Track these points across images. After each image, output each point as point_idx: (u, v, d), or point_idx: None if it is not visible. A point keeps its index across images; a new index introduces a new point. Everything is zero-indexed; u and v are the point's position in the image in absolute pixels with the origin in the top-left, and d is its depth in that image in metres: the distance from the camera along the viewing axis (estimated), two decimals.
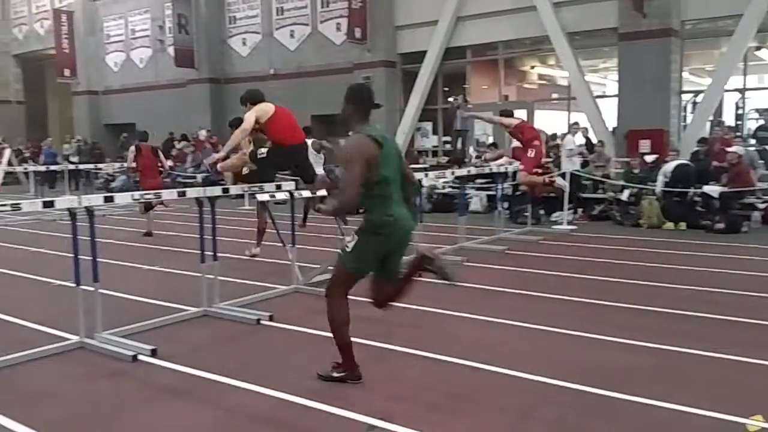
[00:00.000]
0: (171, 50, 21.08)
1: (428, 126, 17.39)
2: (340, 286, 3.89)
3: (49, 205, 4.59)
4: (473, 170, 10.14)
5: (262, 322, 5.26)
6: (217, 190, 5.86)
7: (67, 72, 24.28)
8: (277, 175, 7.38)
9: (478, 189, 12.85)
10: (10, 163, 20.17)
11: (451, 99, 16.50)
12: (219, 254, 5.64)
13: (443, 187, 13.32)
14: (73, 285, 4.62)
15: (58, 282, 6.55)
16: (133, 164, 10.44)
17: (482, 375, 4.09)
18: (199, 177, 17.55)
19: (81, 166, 18.87)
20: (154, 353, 4.45)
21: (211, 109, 20.53)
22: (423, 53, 16.27)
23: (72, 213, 4.54)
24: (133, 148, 10.54)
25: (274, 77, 19.41)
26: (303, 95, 18.60)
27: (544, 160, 12.88)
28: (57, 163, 19.81)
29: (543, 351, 4.57)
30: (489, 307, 5.65)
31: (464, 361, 4.26)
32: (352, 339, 3.96)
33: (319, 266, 6.62)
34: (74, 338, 4.72)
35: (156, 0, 22.13)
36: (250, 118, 6.76)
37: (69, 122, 26.67)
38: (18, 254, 8.84)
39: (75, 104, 25.31)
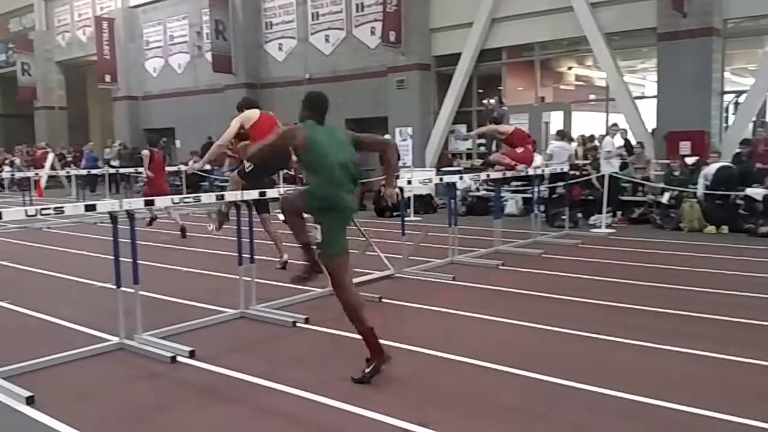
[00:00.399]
0: (209, 56, 21.39)
1: (462, 128, 17.29)
2: (340, 277, 4.12)
3: (91, 208, 4.70)
4: (508, 173, 10.05)
5: (298, 324, 5.30)
6: (253, 194, 5.92)
7: (107, 78, 24.83)
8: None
9: (513, 192, 12.73)
10: (53, 167, 20.80)
11: (485, 101, 16.42)
12: (255, 257, 5.70)
13: (477, 190, 13.24)
14: (114, 287, 4.72)
15: (99, 284, 6.70)
16: (149, 172, 10.68)
17: (513, 380, 4.03)
18: None
19: (121, 170, 19.27)
20: (192, 355, 4.51)
21: None
22: (458, 55, 16.19)
23: (113, 216, 4.64)
24: (147, 152, 10.76)
25: (310, 82, 19.55)
26: (338, 99, 18.70)
27: (581, 162, 12.78)
28: (98, 167, 20.27)
29: (579, 356, 4.49)
30: (522, 311, 5.58)
31: (495, 366, 4.21)
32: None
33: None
34: (114, 339, 4.81)
35: (194, 6, 22.49)
36: (234, 124, 7.03)
37: (109, 127, 27.29)
38: (61, 256, 9.07)
39: (115, 109, 25.86)
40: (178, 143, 23.32)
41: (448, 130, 16.81)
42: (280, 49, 20.44)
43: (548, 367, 4.14)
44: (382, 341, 4.07)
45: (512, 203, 12.69)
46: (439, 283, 6.81)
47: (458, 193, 11.49)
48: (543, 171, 9.99)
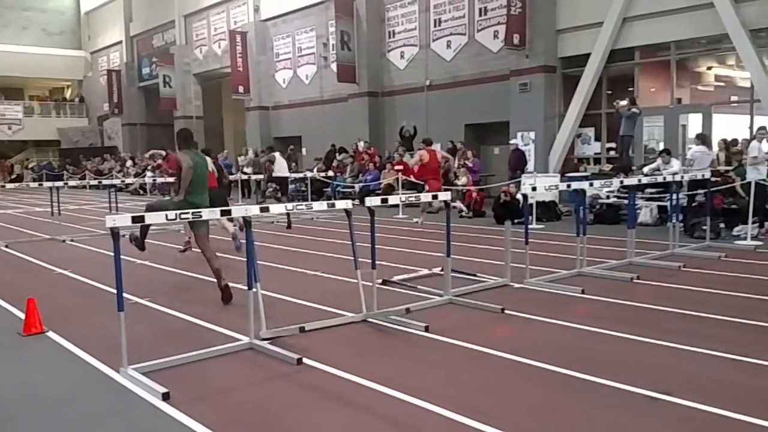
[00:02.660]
0: (334, 66, 21.99)
1: (590, 132, 16.59)
2: (201, 243, 6.58)
3: (225, 213, 4.89)
4: (644, 179, 9.45)
5: (418, 332, 5.22)
6: (375, 201, 5.94)
7: (240, 89, 26.18)
8: None
9: (647, 199, 11.97)
10: None
11: (615, 103, 15.64)
12: (377, 262, 5.68)
13: (607, 197, 12.59)
14: (245, 288, 4.88)
15: (231, 284, 6.97)
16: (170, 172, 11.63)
17: (653, 405, 3.71)
18: (357, 187, 18.12)
19: (253, 177, 20.27)
20: (314, 358, 4.56)
21: (369, 121, 21.15)
22: (586, 56, 15.56)
23: (246, 221, 4.81)
24: (163, 153, 11.66)
25: (430, 88, 19.57)
26: (457, 105, 18.60)
27: (723, 168, 11.85)
28: (231, 174, 21.37)
29: (728, 381, 4.07)
30: (660, 329, 5.17)
31: (632, 388, 3.90)
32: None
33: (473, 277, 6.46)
34: (244, 339, 4.97)
35: (320, 18, 23.23)
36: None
37: (242, 135, 28.77)
38: (195, 257, 9.54)
39: (248, 119, 27.21)
40: (304, 151, 24.16)
41: (575, 133, 16.20)
42: (402, 57, 20.62)
43: (692, 392, 3.79)
44: (503, 355, 3.85)
45: (646, 211, 11.92)
46: (567, 295, 6.48)
47: (586, 199, 10.99)
48: (682, 177, 9.28)
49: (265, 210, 5.38)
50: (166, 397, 3.90)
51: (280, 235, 11.26)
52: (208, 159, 7.22)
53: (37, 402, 4.01)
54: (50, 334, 5.37)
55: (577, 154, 16.61)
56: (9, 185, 23.79)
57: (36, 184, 22.91)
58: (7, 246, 10.83)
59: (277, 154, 16.89)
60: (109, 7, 37.12)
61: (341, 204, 5.73)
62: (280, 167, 16.53)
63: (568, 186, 8.17)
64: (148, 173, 25.51)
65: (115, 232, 4.17)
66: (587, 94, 15.71)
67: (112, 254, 4.24)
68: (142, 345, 4.86)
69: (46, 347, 5.09)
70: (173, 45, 31.44)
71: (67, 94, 42.84)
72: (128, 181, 22.97)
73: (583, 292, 6.49)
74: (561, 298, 6.42)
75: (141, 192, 24.34)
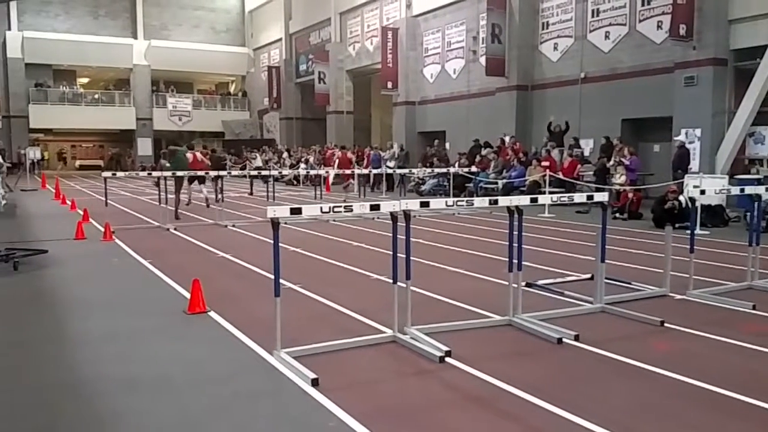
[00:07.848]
0: (482, 60, 21.72)
1: (764, 131, 15.05)
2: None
3: (375, 208, 4.96)
4: None
5: (567, 341, 4.98)
6: (524, 200, 5.76)
7: (389, 84, 26.64)
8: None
9: None
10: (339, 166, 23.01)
11: None
12: (523, 263, 5.51)
13: None
14: (389, 281, 4.94)
15: (375, 276, 7.12)
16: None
17: None
18: (500, 183, 17.79)
19: (398, 170, 20.58)
20: (456, 357, 4.50)
21: (516, 115, 20.66)
22: (762, 48, 14.12)
23: (393, 216, 4.85)
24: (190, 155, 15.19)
25: (584, 81, 18.75)
26: (614, 98, 17.65)
27: None
28: (379, 167, 21.88)
29: None
30: None
31: None
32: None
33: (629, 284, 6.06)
34: (388, 332, 5.02)
35: (472, 12, 23.01)
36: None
37: (388, 130, 29.29)
38: (343, 247, 9.87)
39: (394, 114, 27.64)
40: (447, 145, 24.13)
41: (747, 132, 14.78)
42: (555, 48, 19.93)
43: None
44: (662, 371, 3.76)
45: None
46: (735, 310, 5.90)
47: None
48: None
49: (425, 205, 5.37)
50: (315, 382, 4.03)
51: (416, 228, 11.30)
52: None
53: (197, 378, 4.30)
54: (212, 314, 5.75)
55: (748, 155, 15.16)
56: (179, 173, 25.93)
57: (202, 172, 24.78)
58: (175, 229, 11.83)
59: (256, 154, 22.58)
60: (270, 6, 39.28)
61: (504, 201, 5.56)
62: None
63: (742, 190, 7.42)
64: (302, 165, 26.85)
65: (275, 222, 4.37)
66: (762, 89, 14.25)
67: (270, 241, 4.44)
68: (292, 328, 5.06)
69: (208, 326, 5.46)
70: (328, 42, 32.60)
71: (231, 88, 45.99)
72: (284, 172, 24.34)
73: (754, 307, 5.89)
74: (728, 312, 5.87)
75: (295, 183, 25.59)
